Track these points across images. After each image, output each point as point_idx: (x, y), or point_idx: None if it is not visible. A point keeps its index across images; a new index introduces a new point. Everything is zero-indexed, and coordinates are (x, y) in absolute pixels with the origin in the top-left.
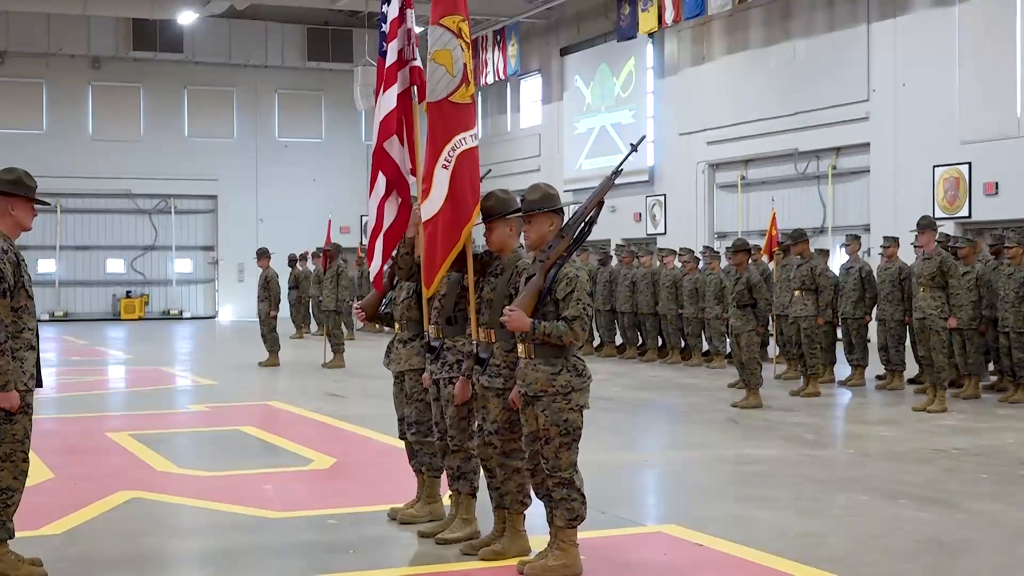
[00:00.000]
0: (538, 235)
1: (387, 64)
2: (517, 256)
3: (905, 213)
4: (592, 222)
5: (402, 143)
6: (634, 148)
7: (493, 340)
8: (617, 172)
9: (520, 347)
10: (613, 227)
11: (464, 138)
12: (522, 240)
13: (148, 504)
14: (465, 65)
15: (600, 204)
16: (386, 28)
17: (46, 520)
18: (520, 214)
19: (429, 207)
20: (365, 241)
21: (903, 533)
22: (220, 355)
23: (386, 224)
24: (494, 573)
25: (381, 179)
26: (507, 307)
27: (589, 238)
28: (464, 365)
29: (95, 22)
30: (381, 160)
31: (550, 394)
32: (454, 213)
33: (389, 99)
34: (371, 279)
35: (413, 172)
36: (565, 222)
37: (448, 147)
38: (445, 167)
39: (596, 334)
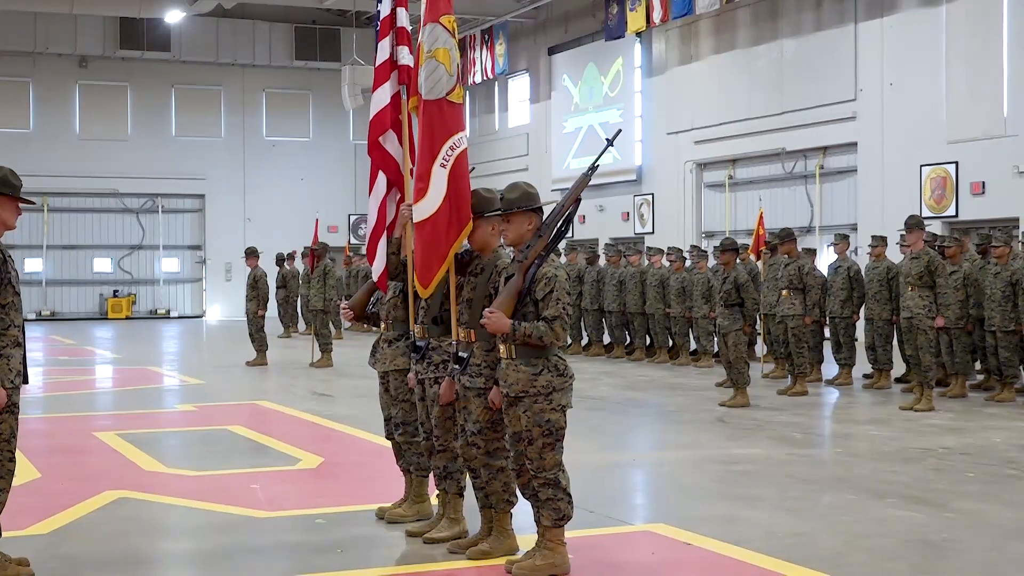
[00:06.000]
0: (517, 234)
1: (378, 62)
2: (497, 256)
3: (892, 212)
4: (569, 219)
5: (400, 142)
6: (610, 143)
7: (473, 340)
8: (593, 168)
9: (501, 348)
10: (601, 226)
11: (461, 138)
12: (502, 239)
13: (135, 504)
14: (458, 66)
15: (577, 201)
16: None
17: (33, 520)
18: (499, 213)
19: (426, 206)
20: (354, 240)
21: (891, 532)
22: (208, 355)
23: (388, 223)
24: (481, 572)
25: (381, 178)
26: (487, 309)
27: (575, 236)
28: (450, 366)
29: (82, 21)
30: (379, 158)
31: (531, 395)
32: (454, 212)
33: (381, 97)
34: (375, 279)
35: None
36: (543, 220)
37: (446, 146)
38: (443, 166)
39: (584, 333)
